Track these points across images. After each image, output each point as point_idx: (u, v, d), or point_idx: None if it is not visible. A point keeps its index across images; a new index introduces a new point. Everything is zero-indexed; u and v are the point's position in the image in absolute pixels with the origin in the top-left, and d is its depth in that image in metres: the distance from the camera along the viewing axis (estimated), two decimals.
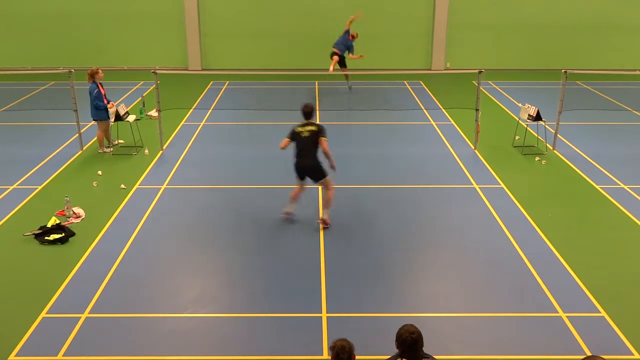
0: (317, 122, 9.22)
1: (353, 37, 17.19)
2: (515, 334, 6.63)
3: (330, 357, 4.43)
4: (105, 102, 12.17)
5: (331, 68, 16.89)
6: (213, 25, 20.90)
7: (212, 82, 19.06)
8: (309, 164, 8.98)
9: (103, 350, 6.33)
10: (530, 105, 12.71)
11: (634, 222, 9.35)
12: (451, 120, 14.77)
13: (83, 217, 9.43)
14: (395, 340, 4.52)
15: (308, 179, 9.15)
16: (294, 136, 9.01)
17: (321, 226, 9.07)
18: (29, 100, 16.84)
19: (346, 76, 17.77)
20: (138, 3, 20.68)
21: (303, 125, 9.00)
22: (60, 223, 9.01)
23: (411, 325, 4.52)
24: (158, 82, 12.49)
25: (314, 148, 8.93)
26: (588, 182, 10.93)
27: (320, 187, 9.59)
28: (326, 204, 9.18)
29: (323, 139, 8.89)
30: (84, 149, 12.61)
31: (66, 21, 20.75)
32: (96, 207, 9.79)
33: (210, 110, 15.73)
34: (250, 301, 7.29)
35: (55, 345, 6.39)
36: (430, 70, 20.89)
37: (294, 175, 9.16)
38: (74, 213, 9.45)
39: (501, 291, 7.48)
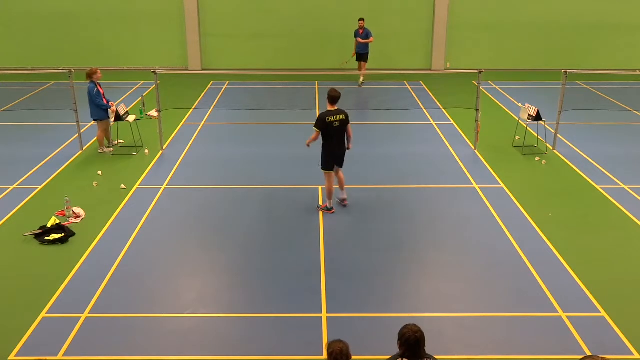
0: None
1: (361, 29, 18.35)
2: (515, 334, 6.63)
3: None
4: (105, 101, 12.18)
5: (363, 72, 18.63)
6: (213, 25, 20.90)
7: (212, 82, 19.06)
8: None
9: (103, 350, 6.33)
10: (530, 105, 12.70)
11: (634, 222, 9.35)
12: (451, 120, 14.77)
13: (83, 217, 9.43)
14: (398, 340, 4.51)
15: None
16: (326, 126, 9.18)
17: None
18: (29, 100, 16.84)
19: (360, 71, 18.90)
20: (138, 3, 20.68)
21: (333, 114, 9.20)
22: (60, 223, 9.01)
23: (414, 325, 4.51)
24: (158, 82, 12.49)
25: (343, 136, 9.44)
26: (588, 182, 10.93)
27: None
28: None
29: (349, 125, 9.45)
30: (84, 149, 12.61)
31: (66, 21, 20.76)
32: (96, 207, 9.79)
33: (210, 110, 15.73)
34: (250, 301, 7.29)
35: (55, 345, 6.39)
36: (430, 70, 20.89)
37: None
38: (74, 213, 9.45)
39: (501, 291, 7.47)
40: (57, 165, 11.69)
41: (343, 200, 9.74)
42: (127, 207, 9.85)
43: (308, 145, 9.65)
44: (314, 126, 9.21)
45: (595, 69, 19.49)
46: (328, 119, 9.08)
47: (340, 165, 9.52)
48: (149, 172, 11.38)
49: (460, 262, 8.21)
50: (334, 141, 9.24)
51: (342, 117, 9.17)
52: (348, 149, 9.54)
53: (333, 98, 9.15)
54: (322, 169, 9.42)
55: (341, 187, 9.74)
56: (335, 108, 9.19)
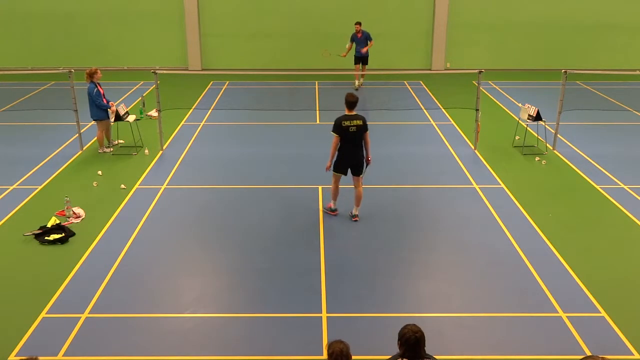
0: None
1: (359, 33, 17.82)
2: (515, 334, 6.63)
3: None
4: (105, 102, 12.18)
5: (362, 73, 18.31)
6: (213, 25, 20.90)
7: (212, 82, 19.06)
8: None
9: (103, 350, 6.33)
10: (530, 105, 12.70)
11: (634, 222, 9.35)
12: (451, 120, 14.77)
13: (83, 217, 9.43)
14: (398, 340, 4.52)
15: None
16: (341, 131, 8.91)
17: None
18: (29, 100, 16.84)
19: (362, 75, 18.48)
20: (138, 3, 20.68)
21: (349, 119, 8.93)
22: (60, 223, 9.01)
23: (414, 325, 4.52)
24: (158, 82, 12.49)
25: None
26: (588, 182, 10.93)
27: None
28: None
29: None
30: (84, 149, 12.62)
31: (66, 21, 20.76)
32: (96, 207, 9.79)
33: (210, 110, 15.73)
34: (250, 301, 7.29)
35: (55, 345, 6.39)
36: (430, 70, 20.89)
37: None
38: (74, 213, 9.45)
39: (501, 291, 7.48)
40: (57, 165, 11.69)
41: (354, 216, 9.33)
42: (127, 207, 9.85)
43: (329, 167, 9.20)
44: (332, 131, 9.01)
45: (595, 69, 19.50)
46: (344, 124, 8.86)
47: (357, 173, 9.22)
48: (149, 172, 11.38)
49: (460, 262, 8.21)
50: (349, 146, 9.03)
51: (359, 122, 8.90)
52: (367, 161, 9.24)
53: (350, 103, 8.93)
54: (333, 170, 9.30)
55: (356, 203, 9.35)
56: (353, 113, 8.96)
